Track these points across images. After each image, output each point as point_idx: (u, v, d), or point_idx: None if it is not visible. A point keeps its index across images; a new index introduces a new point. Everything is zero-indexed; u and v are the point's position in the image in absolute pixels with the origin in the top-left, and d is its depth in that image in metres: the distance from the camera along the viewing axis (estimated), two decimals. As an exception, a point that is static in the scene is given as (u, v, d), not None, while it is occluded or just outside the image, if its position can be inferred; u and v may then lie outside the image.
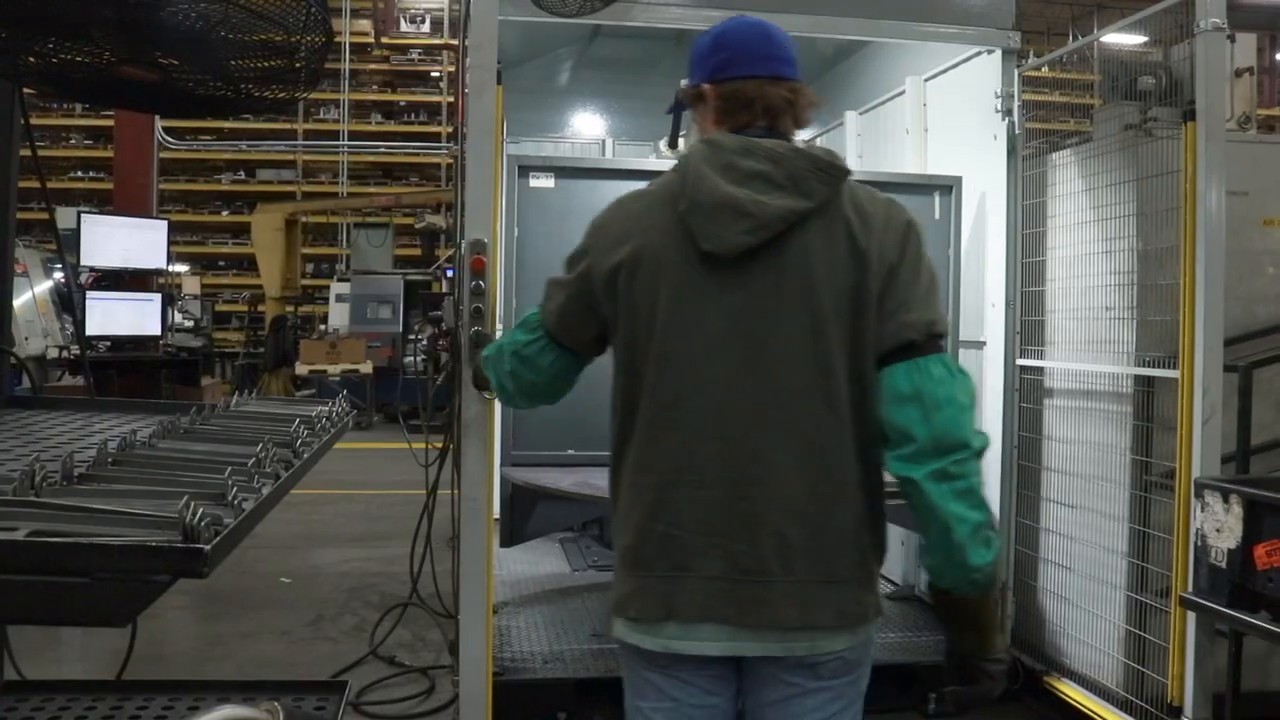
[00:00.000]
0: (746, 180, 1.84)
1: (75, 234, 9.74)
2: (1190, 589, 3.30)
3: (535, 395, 2.17)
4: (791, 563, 1.82)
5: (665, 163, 4.72)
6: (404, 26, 20.97)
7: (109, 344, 10.04)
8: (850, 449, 1.86)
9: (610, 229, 1.98)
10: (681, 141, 4.81)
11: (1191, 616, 3.40)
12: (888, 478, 1.90)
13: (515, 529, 4.26)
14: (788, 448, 1.84)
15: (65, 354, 9.94)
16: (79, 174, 20.02)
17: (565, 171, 4.39)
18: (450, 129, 19.06)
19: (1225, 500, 3.11)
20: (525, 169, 4.29)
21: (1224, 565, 3.10)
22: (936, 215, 4.57)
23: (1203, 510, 3.20)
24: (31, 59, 2.55)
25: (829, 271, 1.84)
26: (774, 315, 1.85)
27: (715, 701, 1.93)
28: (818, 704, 1.88)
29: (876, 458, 1.89)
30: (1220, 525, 3.13)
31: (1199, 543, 3.22)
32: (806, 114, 1.98)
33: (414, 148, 20.50)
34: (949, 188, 4.62)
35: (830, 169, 1.86)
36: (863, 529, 1.88)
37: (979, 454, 1.82)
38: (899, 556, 5.28)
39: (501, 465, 4.13)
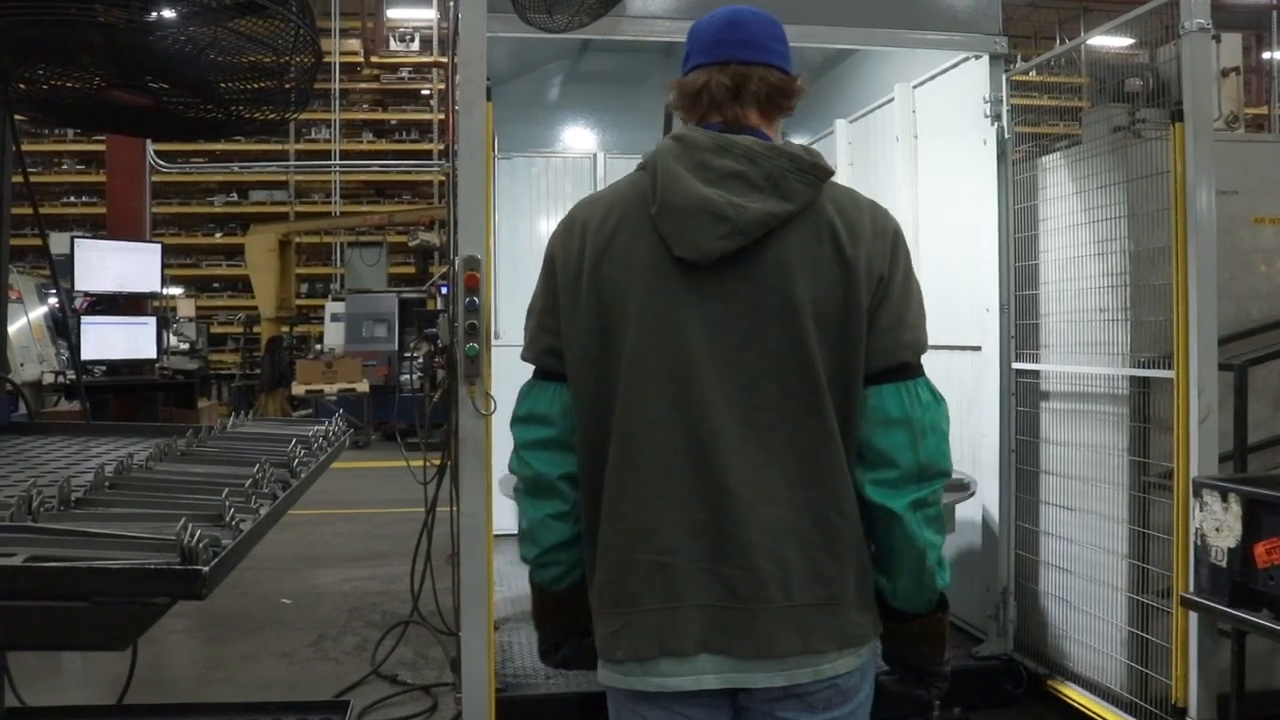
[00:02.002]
0: (722, 180, 1.71)
1: (69, 259, 9.75)
2: (1191, 589, 3.30)
3: (556, 455, 1.85)
4: (790, 586, 1.71)
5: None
6: (393, 45, 20.97)
7: (104, 368, 10.04)
8: (841, 463, 1.75)
9: (569, 235, 1.83)
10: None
11: (1193, 616, 3.40)
12: None
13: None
14: (779, 465, 1.72)
15: (61, 379, 9.92)
16: (71, 199, 20.00)
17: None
18: (441, 146, 19.08)
19: (1224, 499, 3.12)
20: None
21: (1224, 564, 3.10)
22: None
23: (1201, 510, 3.20)
24: (22, 85, 2.56)
25: (812, 279, 1.72)
26: (755, 325, 1.73)
27: None
28: None
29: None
30: (1220, 524, 3.13)
31: (1199, 542, 3.22)
32: (769, 98, 1.82)
33: (406, 166, 20.52)
34: None
35: (813, 169, 1.74)
36: (861, 546, 1.78)
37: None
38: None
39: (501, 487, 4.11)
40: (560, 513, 1.86)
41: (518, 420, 1.88)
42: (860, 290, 1.73)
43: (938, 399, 1.80)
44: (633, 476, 1.76)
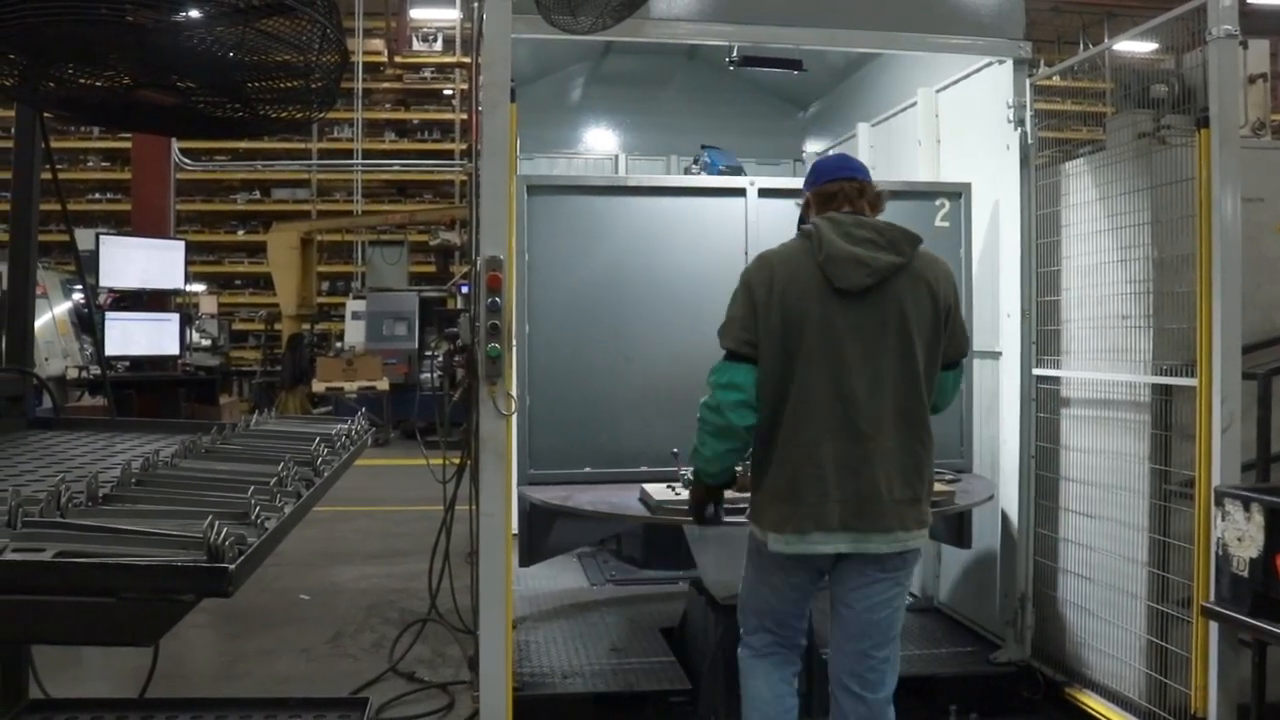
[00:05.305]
0: (862, 243, 2.89)
1: (94, 255, 9.83)
2: (1212, 599, 3.28)
3: (745, 411, 2.93)
4: (894, 490, 2.89)
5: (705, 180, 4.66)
6: (416, 45, 21.04)
7: (128, 364, 10.12)
8: (926, 415, 2.97)
9: (763, 272, 2.97)
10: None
11: (1214, 626, 3.38)
12: None
13: (534, 548, 4.24)
14: (892, 418, 2.90)
15: (85, 374, 10.01)
16: (97, 196, 20.12)
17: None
18: (463, 146, 19.11)
19: (1246, 509, 3.10)
20: None
21: (1246, 574, 3.08)
22: (945, 223, 4.58)
23: (1223, 519, 3.19)
24: (51, 84, 2.58)
25: (916, 306, 2.92)
26: (881, 331, 2.90)
27: (811, 587, 3.11)
28: (882, 589, 2.95)
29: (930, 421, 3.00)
30: (1241, 534, 3.11)
31: (1220, 552, 3.20)
32: (876, 200, 3.06)
33: (428, 165, 20.57)
34: (958, 194, 4.64)
35: (913, 237, 2.95)
36: (929, 468, 3.00)
37: None
38: (917, 568, 5.25)
39: (518, 485, 4.12)
40: (735, 449, 3.02)
41: (720, 386, 2.94)
42: (940, 313, 2.96)
43: (962, 373, 3.25)
44: (802, 423, 2.90)
